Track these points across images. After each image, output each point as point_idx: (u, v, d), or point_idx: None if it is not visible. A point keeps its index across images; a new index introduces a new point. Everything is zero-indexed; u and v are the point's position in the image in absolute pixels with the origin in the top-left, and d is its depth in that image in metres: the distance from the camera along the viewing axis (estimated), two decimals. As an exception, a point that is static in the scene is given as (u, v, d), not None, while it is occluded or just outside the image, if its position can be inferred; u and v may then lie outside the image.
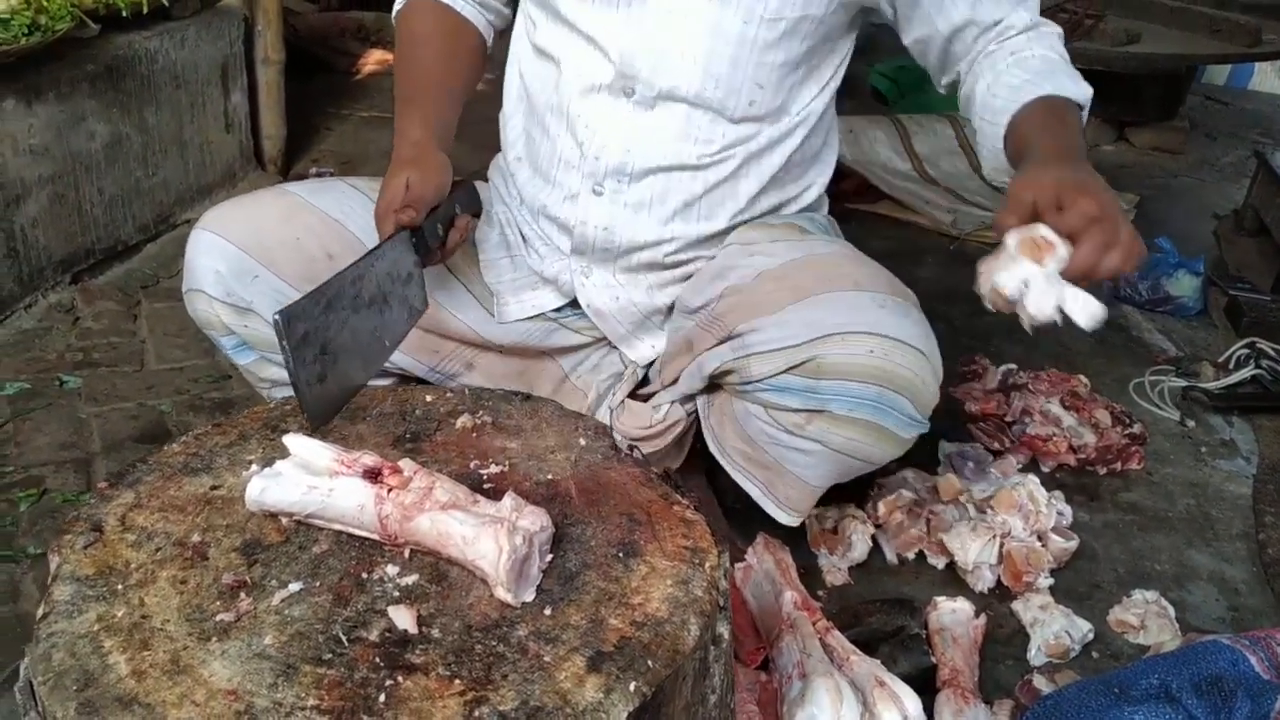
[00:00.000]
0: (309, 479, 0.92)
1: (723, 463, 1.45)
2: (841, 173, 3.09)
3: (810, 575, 1.65)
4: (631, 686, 0.82)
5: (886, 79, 3.97)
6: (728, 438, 1.42)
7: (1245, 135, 4.13)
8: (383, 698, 0.78)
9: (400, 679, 0.80)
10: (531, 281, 1.51)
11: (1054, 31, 1.34)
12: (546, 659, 0.84)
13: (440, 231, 1.28)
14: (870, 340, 1.24)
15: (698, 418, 1.51)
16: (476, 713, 0.78)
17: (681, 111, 1.33)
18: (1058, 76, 1.26)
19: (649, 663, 0.84)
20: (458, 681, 0.81)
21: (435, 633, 0.85)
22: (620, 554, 0.96)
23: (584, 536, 0.97)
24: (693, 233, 1.42)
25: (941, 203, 3.07)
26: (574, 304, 1.50)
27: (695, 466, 1.61)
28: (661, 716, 0.86)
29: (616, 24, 1.30)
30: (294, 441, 0.94)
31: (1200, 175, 3.71)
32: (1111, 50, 3.31)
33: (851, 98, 4.05)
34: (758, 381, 1.30)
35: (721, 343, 1.34)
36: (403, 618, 0.85)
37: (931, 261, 2.81)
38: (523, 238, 1.51)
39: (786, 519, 1.44)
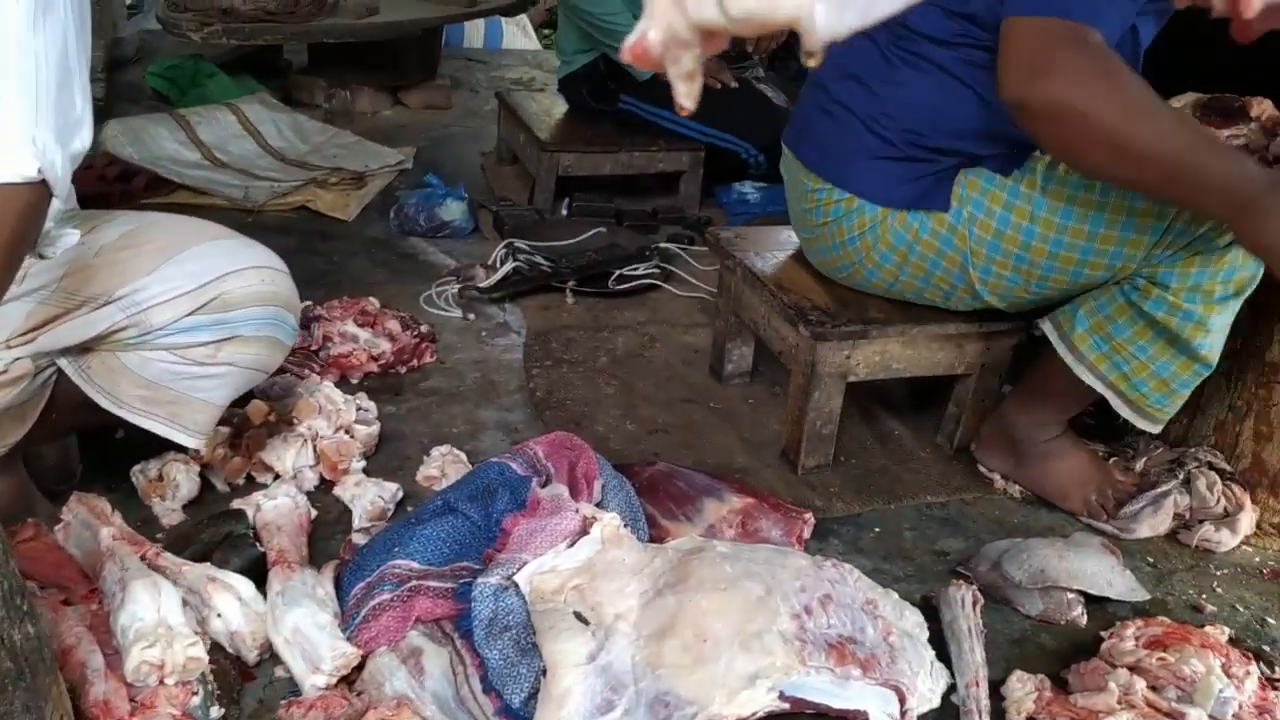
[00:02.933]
0: None
1: (120, 413, 1.59)
2: (130, 170, 3.13)
3: (149, 525, 1.74)
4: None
5: (163, 79, 4.00)
6: (122, 389, 1.57)
7: (502, 86, 4.78)
8: None
9: None
10: None
11: None
12: None
13: None
14: (260, 272, 1.58)
15: (49, 385, 1.57)
16: None
17: None
18: None
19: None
20: None
21: None
22: None
23: None
24: None
25: (234, 182, 3.21)
26: None
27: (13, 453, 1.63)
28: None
29: None
30: None
31: (467, 124, 4.25)
32: (357, 24, 3.68)
33: (134, 101, 4.05)
34: (159, 330, 1.51)
35: (102, 306, 1.48)
36: None
37: (234, 236, 2.96)
38: None
39: (193, 442, 1.66)
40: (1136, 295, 1.75)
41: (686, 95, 0.43)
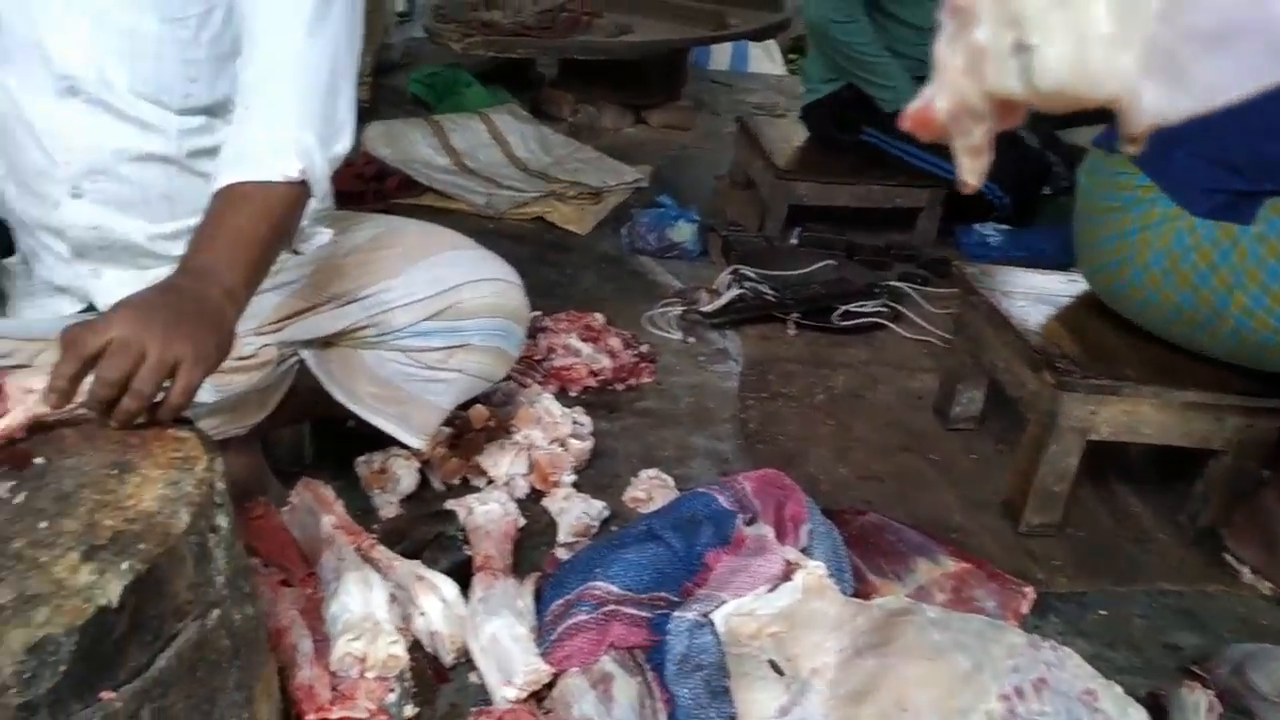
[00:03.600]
0: None
1: (353, 407, 1.66)
2: (385, 171, 3.31)
3: (368, 515, 1.82)
4: (124, 565, 0.95)
5: (423, 85, 4.22)
6: (358, 385, 1.64)
7: (744, 109, 4.78)
8: (-123, 614, 0.87)
9: (-106, 599, 0.89)
10: (47, 290, 1.57)
11: None
12: (43, 560, 0.95)
13: None
14: (495, 285, 1.62)
15: (292, 374, 1.65)
16: (-26, 611, 0.89)
17: (128, 105, 1.41)
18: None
19: (141, 546, 0.98)
20: (-47, 591, 0.91)
21: (-73, 559, 0.94)
22: (115, 471, 1.08)
23: (79, 465, 1.08)
24: (184, 224, 1.50)
25: (479, 189, 3.34)
26: (94, 307, 1.57)
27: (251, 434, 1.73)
28: (166, 594, 1.00)
29: (49, 27, 1.37)
30: None
31: (706, 146, 4.27)
32: (609, 41, 3.76)
33: (396, 105, 4.28)
34: (398, 331, 1.56)
35: (347, 304, 1.55)
36: (-109, 551, 0.93)
37: (473, 239, 3.06)
38: (31, 251, 1.56)
39: (418, 442, 1.71)
40: None
41: (971, 171, 0.38)
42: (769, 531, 1.60)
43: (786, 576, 1.51)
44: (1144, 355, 1.90)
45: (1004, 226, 3.24)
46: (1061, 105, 0.35)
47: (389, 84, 4.52)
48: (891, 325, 2.74)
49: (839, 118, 3.30)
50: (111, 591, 0.93)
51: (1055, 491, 1.91)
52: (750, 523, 1.64)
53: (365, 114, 3.64)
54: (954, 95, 0.36)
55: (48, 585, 0.92)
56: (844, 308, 2.69)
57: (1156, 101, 0.33)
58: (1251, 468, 1.91)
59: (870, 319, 2.71)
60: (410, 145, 3.53)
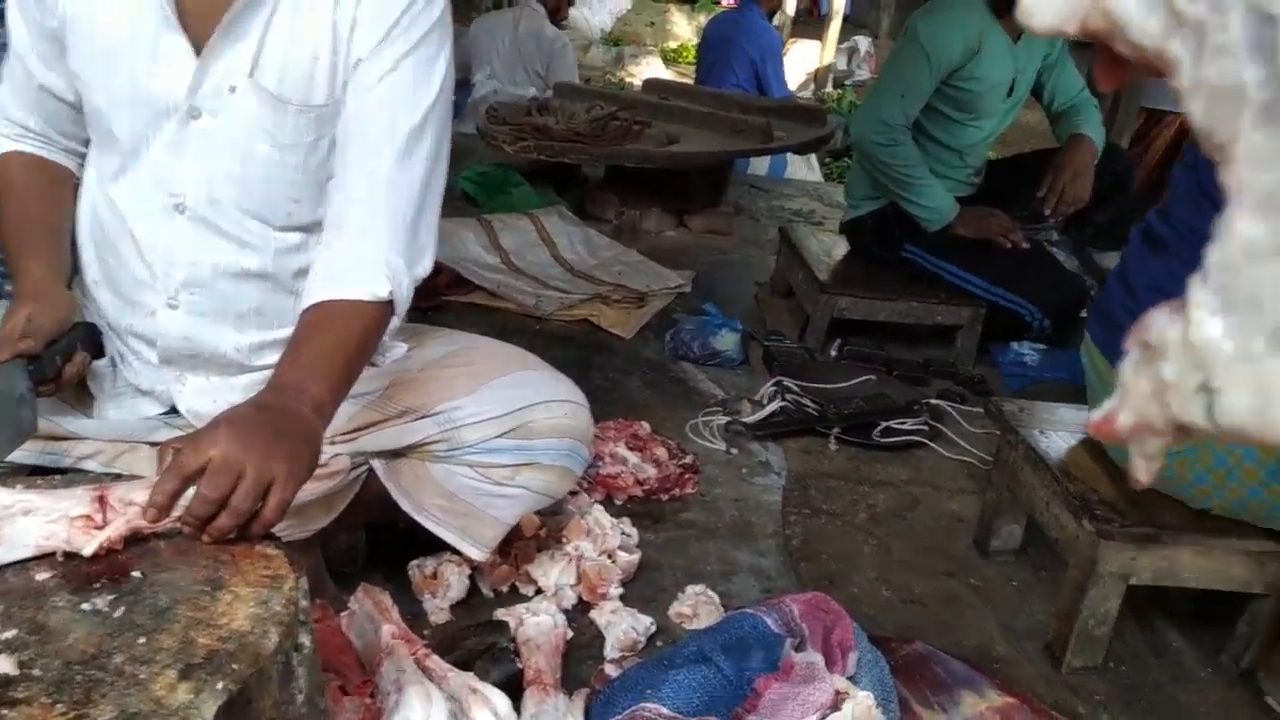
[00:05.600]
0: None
1: (418, 518, 1.69)
2: (437, 269, 3.39)
3: (418, 619, 1.85)
4: (219, 686, 0.99)
5: (474, 183, 4.34)
6: (425, 496, 1.67)
7: (782, 216, 4.89)
8: (-12, 729, 0.91)
9: (5, 712, 0.93)
10: (131, 392, 1.63)
11: None
12: (142, 676, 0.99)
13: (59, 363, 1.40)
14: (564, 406, 1.68)
15: (360, 481, 1.69)
16: (79, 727, 0.93)
17: (232, 223, 1.49)
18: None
19: (234, 666, 1.02)
20: (60, 705, 0.94)
21: (36, 671, 0.98)
22: (208, 588, 1.13)
23: (173, 580, 1.13)
24: (269, 337, 1.60)
25: (527, 289, 3.43)
26: (175, 409, 1.63)
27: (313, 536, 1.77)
28: (252, 712, 1.03)
29: (159, 147, 1.46)
30: None
31: (745, 252, 4.35)
32: (656, 150, 3.88)
33: (446, 201, 4.38)
34: (469, 447, 1.59)
35: (420, 419, 1.60)
36: (2, 664, 0.97)
37: (520, 339, 3.12)
38: (118, 354, 1.63)
39: (479, 555, 1.72)
40: None
41: (1143, 471, 0.43)
42: (818, 659, 1.62)
43: (836, 706, 1.53)
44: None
45: (1040, 346, 3.29)
46: (1240, 442, 0.39)
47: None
48: (931, 444, 2.77)
49: (881, 235, 3.38)
50: (206, 712, 0.96)
51: (1097, 635, 1.91)
52: (799, 648, 1.67)
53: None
54: (1137, 414, 0.40)
55: (148, 703, 0.95)
56: (884, 424, 2.73)
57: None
58: (1293, 610, 1.92)
59: (910, 437, 2.74)
60: (461, 243, 3.63)
